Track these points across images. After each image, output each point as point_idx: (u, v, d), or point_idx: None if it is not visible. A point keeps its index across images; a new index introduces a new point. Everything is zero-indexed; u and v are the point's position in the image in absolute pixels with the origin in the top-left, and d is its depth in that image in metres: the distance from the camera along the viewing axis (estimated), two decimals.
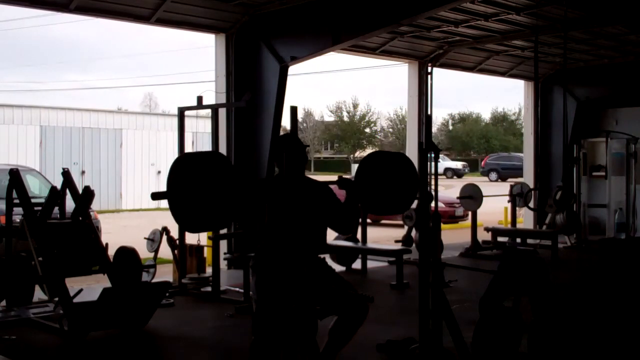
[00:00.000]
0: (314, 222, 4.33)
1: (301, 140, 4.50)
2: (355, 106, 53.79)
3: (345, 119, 54.65)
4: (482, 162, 37.85)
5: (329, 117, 55.76)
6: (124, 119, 25.02)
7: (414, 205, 5.43)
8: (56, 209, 6.84)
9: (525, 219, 14.63)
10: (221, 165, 4.04)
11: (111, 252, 6.95)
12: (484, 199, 11.22)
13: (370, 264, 9.72)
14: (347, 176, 4.69)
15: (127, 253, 6.95)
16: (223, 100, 9.45)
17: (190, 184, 3.90)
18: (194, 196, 3.89)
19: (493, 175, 35.49)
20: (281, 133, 9.20)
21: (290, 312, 4.28)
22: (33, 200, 6.65)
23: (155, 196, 4.01)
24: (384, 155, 4.86)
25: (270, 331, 4.20)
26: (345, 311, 4.36)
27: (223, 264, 8.28)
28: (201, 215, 3.95)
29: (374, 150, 57.52)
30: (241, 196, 4.09)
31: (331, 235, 4.72)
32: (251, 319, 4.24)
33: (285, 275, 4.16)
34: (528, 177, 14.69)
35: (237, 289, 7.53)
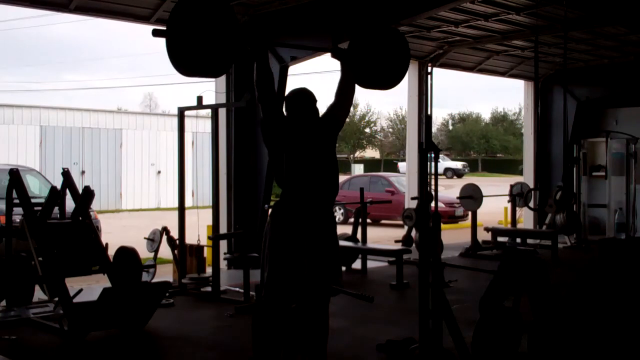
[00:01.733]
0: (325, 167, 4.41)
1: (312, 94, 4.52)
2: (355, 106, 53.75)
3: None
4: None
5: None
6: (124, 119, 25.03)
7: (414, 204, 5.44)
8: (56, 209, 6.84)
9: (525, 219, 14.62)
10: (224, 11, 4.04)
11: (111, 252, 6.94)
12: (484, 199, 11.22)
13: (370, 264, 9.72)
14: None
15: (127, 253, 6.94)
16: (223, 100, 9.45)
17: (191, 25, 3.90)
18: (193, 34, 3.89)
19: None
20: None
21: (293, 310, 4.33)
22: (33, 200, 6.64)
23: (156, 33, 4.00)
24: (377, 29, 4.85)
25: (278, 289, 4.28)
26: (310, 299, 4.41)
27: (223, 264, 8.28)
28: (198, 55, 3.95)
29: (372, 151, 56.99)
30: (241, 42, 4.11)
31: None
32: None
33: (295, 230, 4.30)
34: (528, 177, 14.70)
35: (237, 289, 7.53)
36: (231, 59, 4.14)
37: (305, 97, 4.48)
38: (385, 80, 4.92)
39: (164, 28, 3.96)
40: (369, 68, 4.67)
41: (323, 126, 4.51)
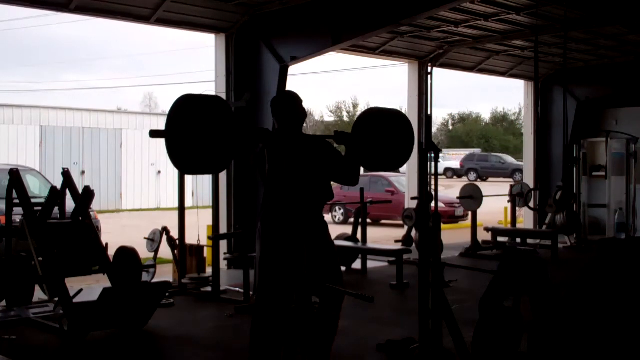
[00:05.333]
0: (315, 174, 4.40)
1: (297, 96, 4.53)
2: (355, 106, 53.72)
3: (345, 119, 54.56)
4: (460, 163, 37.45)
5: (329, 117, 55.72)
6: (124, 119, 25.03)
7: (414, 204, 5.44)
8: (56, 209, 6.84)
9: (525, 219, 14.63)
10: (221, 108, 4.03)
11: (111, 252, 6.95)
12: (484, 199, 11.22)
13: (370, 264, 9.72)
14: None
15: (127, 253, 6.95)
16: None
17: (189, 124, 3.88)
18: (192, 136, 3.87)
19: (472, 176, 35.06)
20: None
21: (290, 310, 4.32)
22: (33, 200, 6.65)
23: (154, 134, 3.97)
24: (380, 111, 4.88)
25: (272, 296, 4.27)
26: (322, 301, 4.42)
27: (223, 264, 8.29)
28: (198, 156, 3.93)
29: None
30: (240, 138, 4.10)
31: (332, 235, 4.74)
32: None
33: (287, 231, 4.29)
34: (528, 177, 14.70)
35: (237, 289, 7.53)
36: (231, 156, 4.14)
37: (290, 99, 4.48)
38: (390, 164, 4.95)
39: (162, 129, 3.94)
40: (373, 152, 4.68)
41: (319, 154, 4.49)
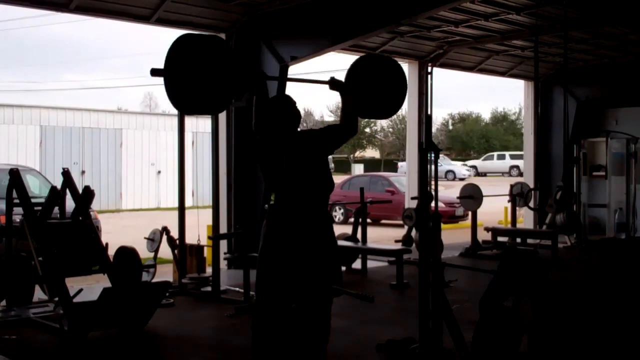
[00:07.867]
0: (314, 167, 4.40)
1: (290, 98, 4.52)
2: None
3: None
4: None
5: (329, 117, 55.72)
6: (124, 119, 25.02)
7: (414, 204, 5.43)
8: (56, 209, 6.84)
9: (525, 219, 14.62)
10: (220, 47, 4.01)
11: (111, 252, 6.94)
12: (484, 198, 11.22)
13: (370, 264, 9.72)
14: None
15: (127, 253, 6.95)
16: None
17: (189, 63, 3.85)
18: (191, 74, 3.84)
19: None
20: None
21: (291, 310, 4.33)
22: (33, 200, 6.65)
23: (154, 72, 3.94)
24: (373, 59, 4.87)
25: (273, 291, 4.29)
26: (309, 301, 4.44)
27: (223, 264, 8.28)
28: (198, 95, 3.91)
29: (372, 151, 57.05)
30: (239, 77, 4.08)
31: None
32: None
33: (290, 232, 4.31)
34: (528, 177, 14.69)
35: (237, 289, 7.53)
36: (230, 97, 4.11)
37: (284, 103, 4.48)
38: (383, 111, 4.94)
39: (161, 67, 3.89)
40: (366, 99, 4.68)
41: (318, 137, 4.51)
